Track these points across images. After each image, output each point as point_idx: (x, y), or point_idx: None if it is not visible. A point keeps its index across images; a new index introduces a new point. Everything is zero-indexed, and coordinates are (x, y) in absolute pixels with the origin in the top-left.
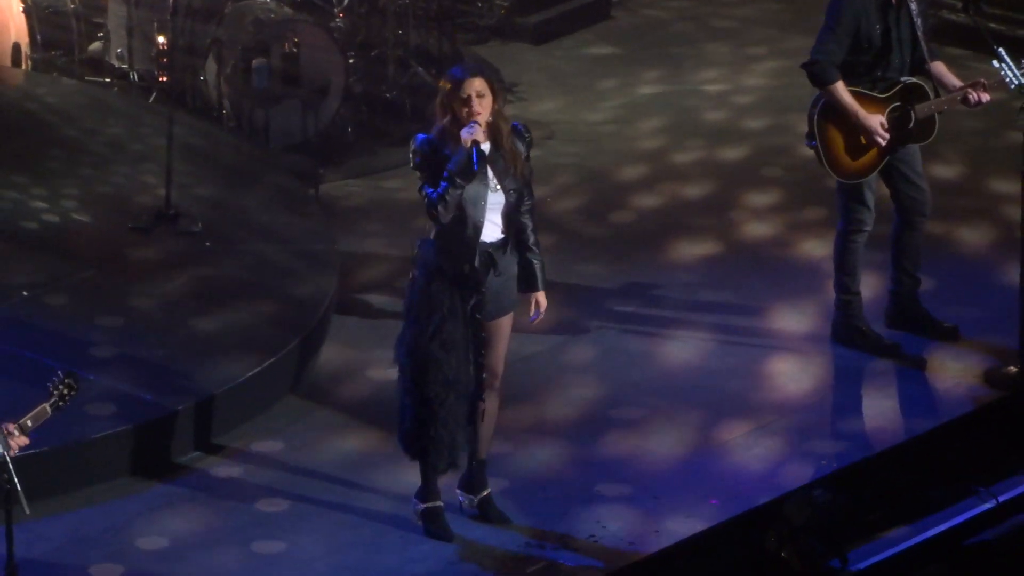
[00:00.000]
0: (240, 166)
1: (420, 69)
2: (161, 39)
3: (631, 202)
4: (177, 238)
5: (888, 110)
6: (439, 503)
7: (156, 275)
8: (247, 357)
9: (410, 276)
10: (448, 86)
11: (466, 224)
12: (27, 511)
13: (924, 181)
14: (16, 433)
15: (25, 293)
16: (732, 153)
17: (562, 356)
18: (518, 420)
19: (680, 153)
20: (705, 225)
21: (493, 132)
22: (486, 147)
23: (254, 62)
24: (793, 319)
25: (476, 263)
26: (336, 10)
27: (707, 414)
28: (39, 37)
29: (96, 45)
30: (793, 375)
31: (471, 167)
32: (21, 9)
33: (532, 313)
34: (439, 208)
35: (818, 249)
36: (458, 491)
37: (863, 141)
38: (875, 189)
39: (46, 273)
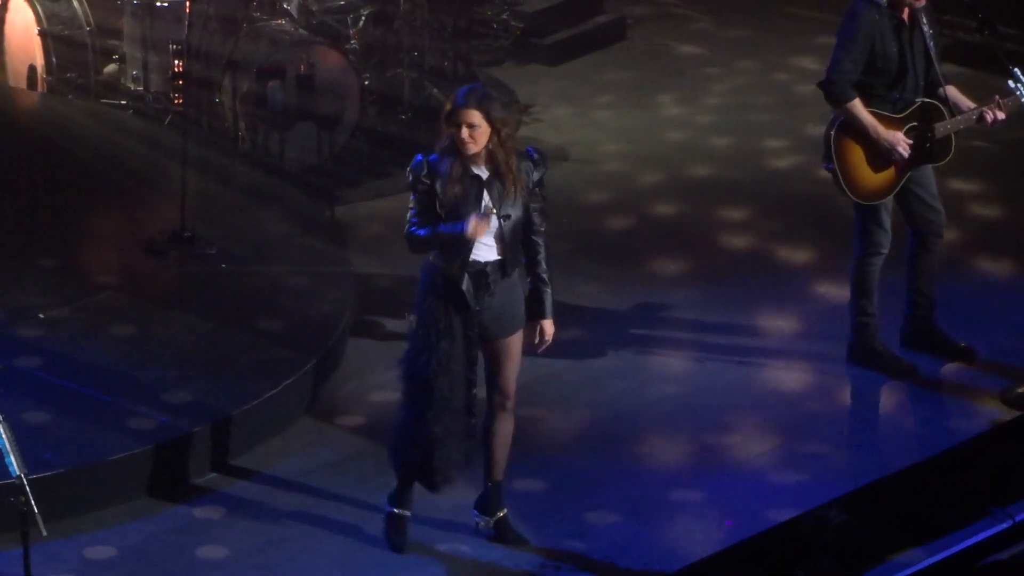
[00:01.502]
0: (255, 188)
1: (435, 90)
2: (176, 61)
3: (644, 213)
4: (192, 260)
5: (905, 130)
6: (407, 513)
7: (171, 297)
8: (263, 379)
9: (418, 291)
10: (448, 108)
11: (457, 247)
12: (44, 532)
13: (939, 203)
14: None
15: (41, 315)
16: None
17: (574, 374)
18: (535, 439)
19: (697, 167)
20: (708, 243)
21: (491, 159)
22: (483, 172)
23: (269, 84)
24: (806, 339)
25: (464, 285)
26: (351, 32)
27: (721, 434)
28: (54, 59)
29: (111, 67)
30: (809, 396)
31: (458, 245)
32: (37, 32)
33: (536, 340)
34: (418, 249)
35: (835, 279)
36: (474, 512)
37: (880, 163)
38: (891, 211)
39: (62, 295)
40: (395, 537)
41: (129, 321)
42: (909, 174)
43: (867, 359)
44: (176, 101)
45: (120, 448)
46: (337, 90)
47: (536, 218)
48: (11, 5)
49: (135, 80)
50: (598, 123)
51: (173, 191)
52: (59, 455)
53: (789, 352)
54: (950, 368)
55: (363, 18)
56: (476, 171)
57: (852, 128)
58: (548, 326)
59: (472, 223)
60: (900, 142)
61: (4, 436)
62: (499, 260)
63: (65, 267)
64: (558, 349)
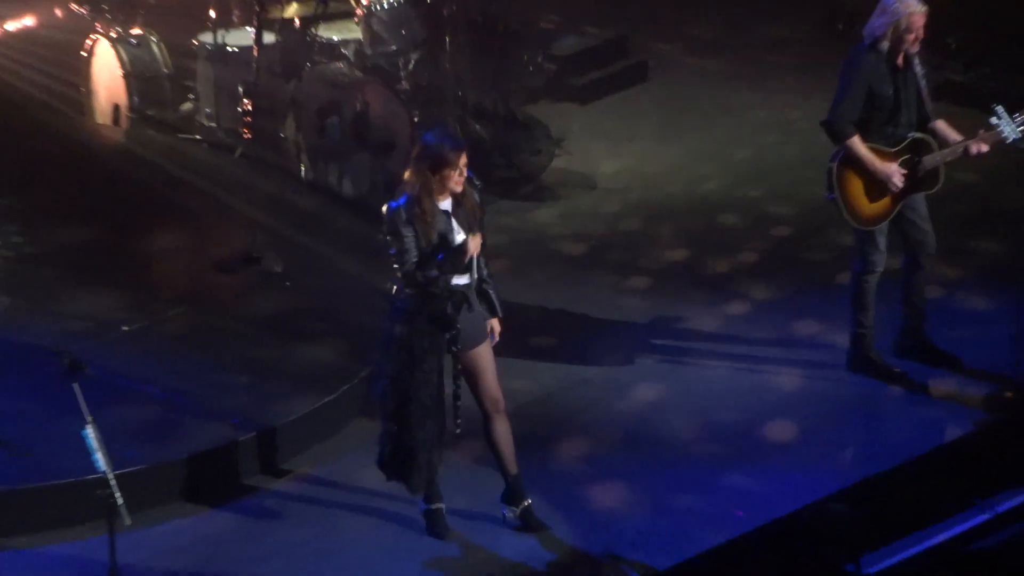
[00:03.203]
0: (316, 213)
1: (477, 126)
2: (245, 100)
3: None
4: (260, 278)
5: (899, 162)
6: (441, 505)
7: (241, 311)
8: (322, 385)
9: (387, 317)
10: (449, 153)
11: (453, 271)
12: (127, 522)
13: (929, 225)
14: None
15: (125, 328)
16: (753, 190)
17: (595, 387)
18: (558, 444)
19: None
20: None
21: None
22: (448, 205)
23: (328, 120)
24: (809, 349)
25: (449, 308)
26: (402, 73)
27: (732, 433)
28: (136, 98)
29: (187, 105)
30: (812, 399)
31: (463, 264)
32: (121, 74)
33: (490, 335)
34: (420, 282)
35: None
36: (501, 505)
37: (877, 192)
38: (887, 234)
39: (143, 309)
40: (436, 528)
41: (203, 332)
42: (905, 198)
43: (864, 366)
44: (245, 136)
45: (195, 446)
46: (389, 125)
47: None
48: (97, 50)
49: (208, 117)
50: (623, 154)
51: (243, 216)
52: (141, 452)
53: (799, 362)
54: (938, 374)
55: (413, 61)
56: (442, 206)
57: (851, 161)
58: (497, 324)
59: (471, 244)
60: (895, 174)
61: (92, 435)
62: (471, 281)
63: (146, 284)
64: (594, 357)
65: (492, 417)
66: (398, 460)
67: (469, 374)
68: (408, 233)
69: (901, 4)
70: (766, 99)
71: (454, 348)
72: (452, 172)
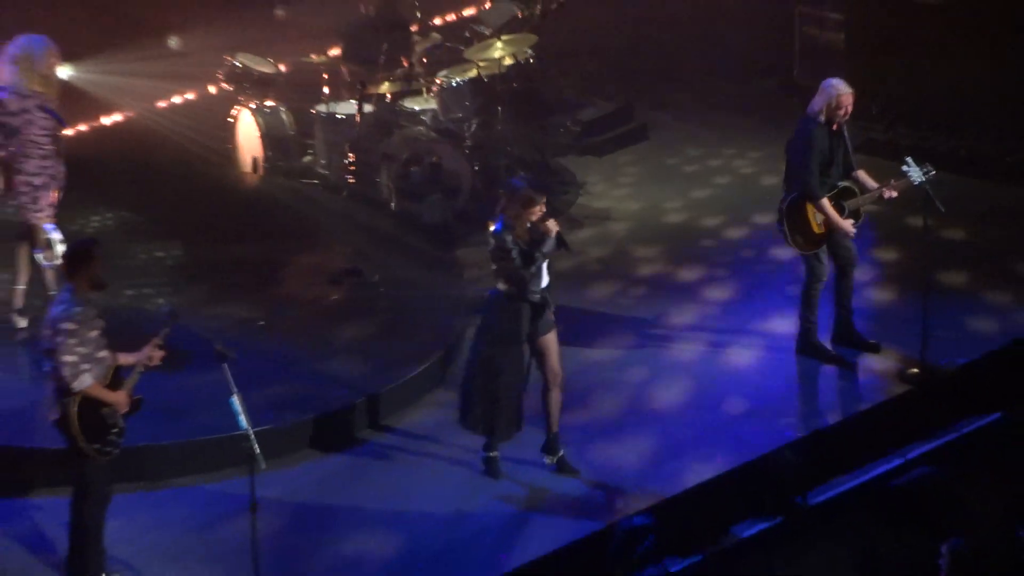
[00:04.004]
0: (402, 239)
1: (522, 173)
2: (350, 154)
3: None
4: (360, 287)
5: (831, 203)
6: (496, 454)
7: (346, 312)
8: (410, 362)
9: (485, 310)
10: (535, 199)
11: (538, 278)
12: (263, 466)
13: (852, 244)
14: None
15: (260, 323)
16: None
17: (600, 368)
18: (576, 411)
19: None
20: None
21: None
22: (552, 226)
23: (411, 168)
24: (764, 338)
25: (539, 300)
26: (466, 134)
27: (705, 401)
28: (269, 152)
29: (307, 158)
30: (768, 375)
31: (556, 248)
32: (258, 135)
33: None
34: (524, 280)
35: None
36: (542, 454)
37: (816, 224)
38: (826, 252)
39: (273, 311)
40: (491, 471)
41: (319, 328)
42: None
43: (809, 350)
44: (350, 181)
45: (314, 410)
46: (456, 173)
47: None
48: (241, 116)
49: (323, 166)
50: (629, 194)
51: (347, 240)
52: (275, 415)
53: (753, 346)
54: (863, 357)
55: (474, 125)
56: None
57: (797, 205)
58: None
59: (551, 225)
60: (848, 228)
61: (237, 403)
62: (548, 285)
63: (275, 290)
64: (599, 345)
65: (551, 387)
66: (488, 419)
67: (540, 354)
68: (511, 246)
69: (833, 88)
70: (727, 151)
71: (535, 336)
72: (536, 208)
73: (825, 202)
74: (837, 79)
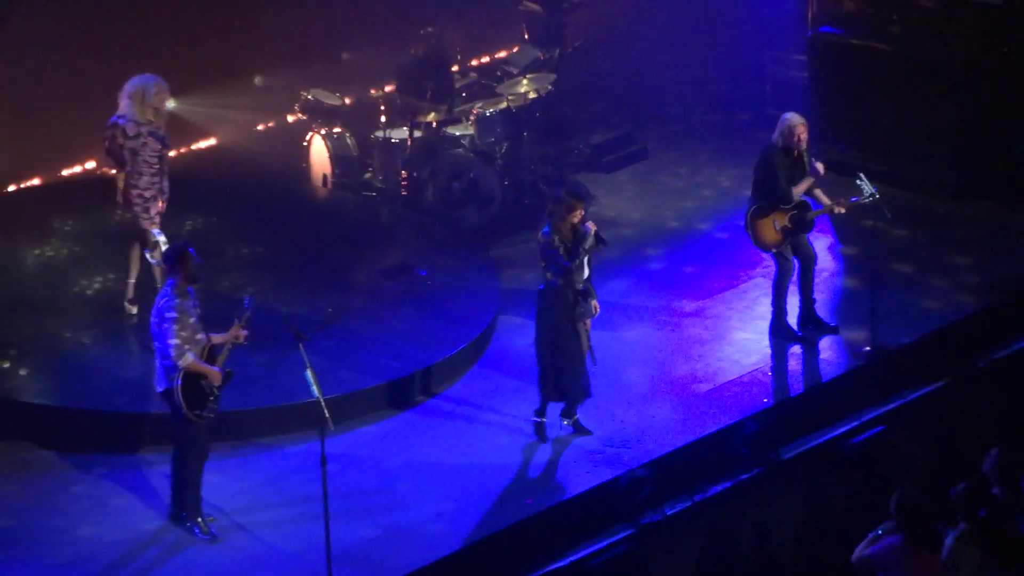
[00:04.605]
0: (445, 242)
1: (544, 187)
2: (403, 172)
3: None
4: (410, 280)
5: (789, 215)
6: (544, 420)
7: (399, 301)
8: (454, 342)
9: (541, 298)
10: (578, 201)
11: (580, 271)
12: (331, 427)
13: (812, 245)
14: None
15: (329, 310)
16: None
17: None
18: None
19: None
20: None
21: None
22: (590, 226)
23: (453, 184)
24: (742, 322)
25: (583, 289)
26: (498, 154)
27: (696, 374)
28: (336, 170)
29: (368, 174)
30: (744, 352)
31: (595, 245)
32: (328, 155)
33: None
34: (577, 262)
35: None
36: (560, 418)
37: (772, 231)
38: (791, 251)
39: (339, 300)
40: (540, 434)
41: (375, 314)
42: (792, 236)
43: (780, 332)
44: (403, 194)
45: (374, 380)
46: (489, 187)
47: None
48: (313, 140)
49: (380, 181)
50: (632, 204)
51: (400, 242)
52: (341, 384)
53: (734, 328)
54: (825, 339)
55: (504, 148)
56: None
57: (760, 212)
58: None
59: (591, 225)
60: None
61: (310, 376)
62: (589, 275)
63: (340, 283)
64: (606, 327)
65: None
66: (560, 388)
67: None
68: (557, 244)
69: (787, 120)
70: (708, 170)
71: (583, 320)
72: (577, 212)
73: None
74: (791, 113)
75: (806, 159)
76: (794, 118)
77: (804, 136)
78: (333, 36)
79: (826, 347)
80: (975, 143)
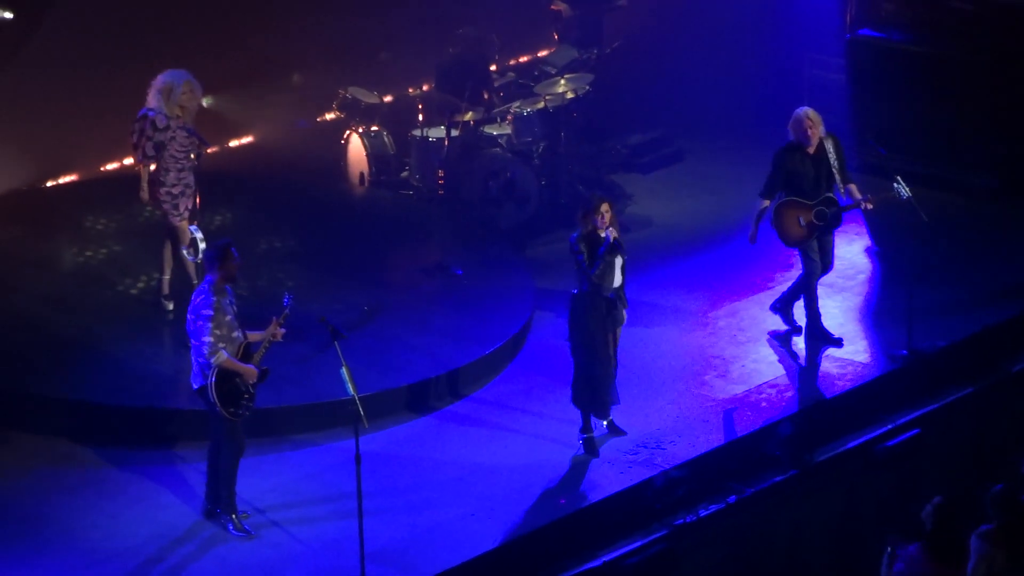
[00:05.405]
0: (481, 241)
1: (580, 187)
2: (439, 170)
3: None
4: (447, 277)
5: (814, 210)
6: (592, 435)
7: (436, 298)
8: (489, 341)
9: (574, 303)
10: (600, 203)
11: (609, 278)
12: (366, 425)
13: (832, 255)
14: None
15: (365, 308)
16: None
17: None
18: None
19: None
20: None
21: (613, 226)
22: (610, 234)
23: (490, 183)
24: (762, 323)
25: (614, 296)
26: (535, 154)
27: (730, 375)
28: (374, 168)
29: (405, 173)
30: (780, 354)
31: (612, 250)
32: (365, 154)
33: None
34: (598, 271)
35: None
36: (592, 417)
37: (798, 226)
38: (817, 251)
39: (374, 298)
40: (590, 449)
41: (411, 313)
42: (817, 234)
43: (815, 334)
44: (440, 192)
45: (409, 379)
46: (526, 186)
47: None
48: (351, 139)
49: (417, 180)
50: (666, 204)
51: (437, 239)
52: (376, 383)
53: (756, 329)
54: (861, 341)
55: (541, 147)
56: (602, 235)
57: (783, 207)
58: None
59: (611, 232)
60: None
61: (345, 373)
62: (624, 282)
63: (376, 281)
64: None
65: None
66: (596, 399)
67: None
68: (583, 250)
69: (797, 114)
70: (746, 170)
71: (614, 327)
72: (601, 209)
73: (765, 203)
74: (802, 107)
75: (832, 157)
76: (800, 112)
77: (814, 130)
78: (372, 35)
79: (861, 350)
80: (1014, 146)
